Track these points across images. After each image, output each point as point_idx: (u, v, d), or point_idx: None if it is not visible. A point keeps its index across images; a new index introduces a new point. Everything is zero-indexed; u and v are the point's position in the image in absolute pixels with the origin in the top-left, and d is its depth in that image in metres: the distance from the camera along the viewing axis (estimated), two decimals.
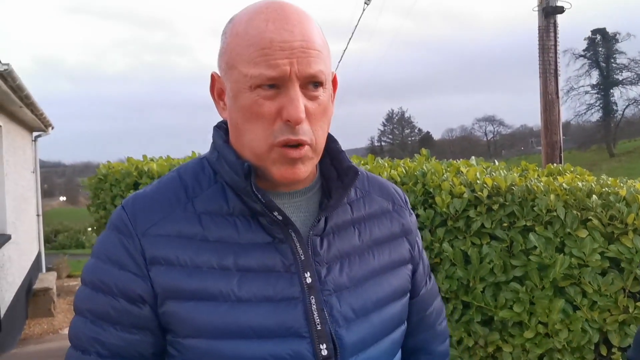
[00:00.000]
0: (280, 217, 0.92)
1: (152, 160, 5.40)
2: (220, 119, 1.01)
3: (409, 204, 1.16)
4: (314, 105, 0.90)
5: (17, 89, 6.01)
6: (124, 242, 0.92)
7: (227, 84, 0.93)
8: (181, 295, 0.89)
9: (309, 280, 0.93)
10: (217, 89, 0.98)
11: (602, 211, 2.36)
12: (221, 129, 1.01)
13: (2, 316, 5.96)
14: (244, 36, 0.88)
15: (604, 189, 2.49)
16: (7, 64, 5.12)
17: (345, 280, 0.96)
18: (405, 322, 1.07)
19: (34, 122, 8.84)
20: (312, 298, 0.92)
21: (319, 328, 0.91)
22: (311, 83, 0.89)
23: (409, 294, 1.09)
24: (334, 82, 1.00)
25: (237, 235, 0.92)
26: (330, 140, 1.01)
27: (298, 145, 0.89)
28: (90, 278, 0.94)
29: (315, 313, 0.91)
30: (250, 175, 0.90)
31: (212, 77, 0.97)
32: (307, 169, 0.92)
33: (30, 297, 8.10)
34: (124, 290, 0.91)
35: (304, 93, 0.89)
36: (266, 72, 0.86)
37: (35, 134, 10.30)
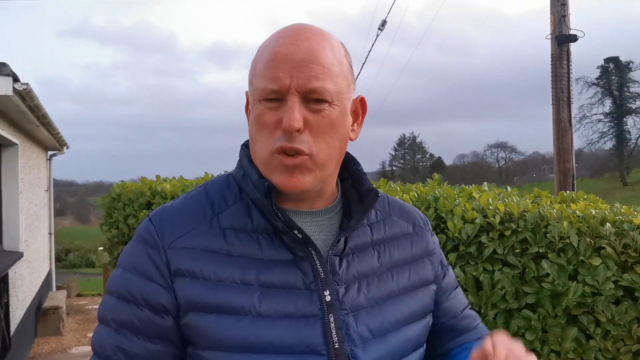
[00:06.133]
0: (300, 236, 0.94)
1: (165, 180, 5.44)
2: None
3: (429, 225, 1.17)
4: (317, 117, 0.91)
5: (35, 109, 6.08)
6: (151, 253, 0.94)
7: (250, 98, 0.98)
8: (203, 308, 0.91)
9: (328, 298, 0.94)
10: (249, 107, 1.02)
11: (615, 239, 2.35)
12: (247, 147, 1.04)
13: (12, 334, 5.97)
14: (260, 54, 0.94)
15: (617, 217, 2.49)
16: (27, 84, 5.18)
17: (362, 300, 0.98)
18: (425, 345, 1.07)
19: (50, 141, 8.91)
20: (331, 316, 0.93)
21: (337, 346, 0.92)
22: (313, 99, 0.91)
23: (430, 315, 1.09)
24: (363, 105, 1.02)
25: (260, 251, 0.94)
26: (353, 162, 1.05)
27: (295, 154, 0.90)
28: (117, 288, 0.95)
29: (333, 331, 0.93)
30: (271, 193, 0.92)
31: (246, 95, 1.02)
32: (306, 180, 0.92)
33: (40, 316, 8.10)
34: (149, 300, 0.92)
35: (306, 105, 0.91)
36: (269, 84, 0.90)
37: (50, 152, 10.40)
